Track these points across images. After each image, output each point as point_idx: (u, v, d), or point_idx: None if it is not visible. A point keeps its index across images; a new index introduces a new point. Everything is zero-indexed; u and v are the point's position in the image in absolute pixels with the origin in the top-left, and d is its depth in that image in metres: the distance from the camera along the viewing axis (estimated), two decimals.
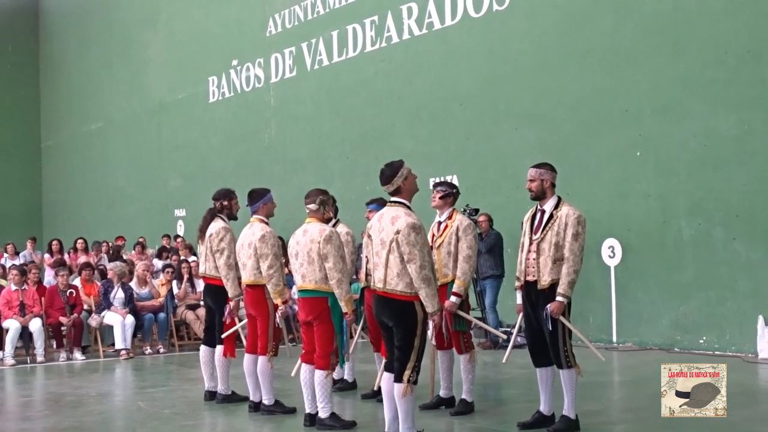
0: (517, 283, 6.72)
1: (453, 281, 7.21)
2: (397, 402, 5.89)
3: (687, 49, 10.75)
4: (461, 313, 7.26)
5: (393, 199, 6.09)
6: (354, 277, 8.54)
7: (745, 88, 10.19)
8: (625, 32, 11.42)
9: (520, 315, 6.78)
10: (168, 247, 17.03)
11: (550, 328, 6.39)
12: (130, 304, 12.15)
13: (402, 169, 6.08)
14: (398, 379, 5.88)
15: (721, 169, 10.40)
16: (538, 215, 6.59)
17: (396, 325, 5.93)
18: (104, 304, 12.07)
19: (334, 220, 8.15)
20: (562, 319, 6.39)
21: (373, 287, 6.10)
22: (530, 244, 6.56)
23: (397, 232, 5.82)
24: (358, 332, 8.40)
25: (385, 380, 6.08)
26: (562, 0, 12.24)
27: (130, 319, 11.93)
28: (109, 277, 12.59)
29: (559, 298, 6.36)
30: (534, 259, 6.50)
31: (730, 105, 10.31)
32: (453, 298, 7.15)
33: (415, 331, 5.88)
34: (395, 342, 5.94)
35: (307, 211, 6.86)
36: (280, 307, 7.25)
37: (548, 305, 6.37)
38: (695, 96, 10.66)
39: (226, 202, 8.19)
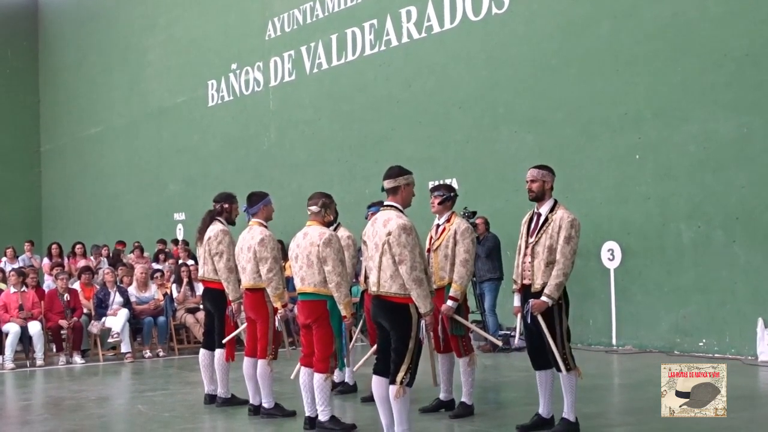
0: (514, 286, 6.73)
1: (450, 284, 7.21)
2: (392, 403, 5.90)
3: (686, 52, 10.75)
4: (458, 317, 7.24)
5: (387, 202, 6.11)
6: (354, 280, 8.54)
7: (744, 91, 10.21)
8: (624, 36, 11.43)
9: (519, 317, 6.79)
10: (165, 251, 17.01)
11: (529, 321, 6.41)
12: (128, 305, 12.17)
13: (410, 175, 6.16)
14: (393, 380, 5.89)
15: (720, 172, 10.41)
16: (535, 218, 6.61)
17: (391, 328, 5.96)
18: (100, 312, 12.08)
19: (335, 224, 8.14)
20: (539, 319, 6.37)
21: (369, 291, 6.12)
22: (526, 247, 6.57)
23: (389, 234, 5.86)
24: (374, 348, 8.39)
25: (376, 385, 6.08)
26: (561, 4, 12.26)
27: (123, 312, 11.98)
28: (106, 279, 12.58)
29: (543, 298, 6.37)
30: (529, 262, 6.52)
31: (730, 108, 10.32)
32: (450, 302, 7.14)
33: (410, 333, 5.90)
34: (392, 344, 5.96)
35: (309, 212, 6.86)
36: (279, 311, 7.25)
37: (530, 300, 6.39)
38: (694, 99, 10.67)
39: (227, 205, 8.17)
